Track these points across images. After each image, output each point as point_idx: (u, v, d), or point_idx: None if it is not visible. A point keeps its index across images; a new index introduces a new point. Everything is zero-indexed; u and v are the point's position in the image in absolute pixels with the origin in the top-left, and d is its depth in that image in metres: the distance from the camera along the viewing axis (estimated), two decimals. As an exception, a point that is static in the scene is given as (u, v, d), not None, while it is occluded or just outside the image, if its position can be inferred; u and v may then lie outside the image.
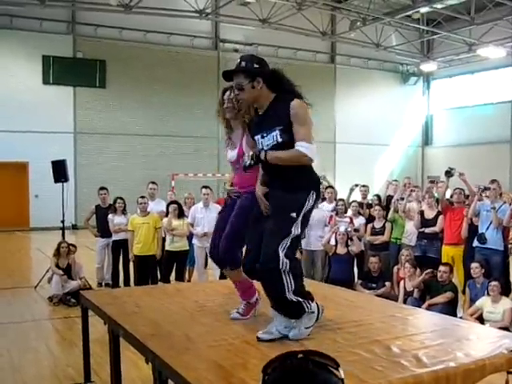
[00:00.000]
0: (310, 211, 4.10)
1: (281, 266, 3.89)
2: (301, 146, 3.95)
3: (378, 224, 11.13)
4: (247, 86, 4.08)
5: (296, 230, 3.96)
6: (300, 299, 4.03)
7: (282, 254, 3.89)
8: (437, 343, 3.84)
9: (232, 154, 4.87)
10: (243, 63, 4.12)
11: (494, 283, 8.22)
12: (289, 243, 3.93)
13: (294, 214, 3.96)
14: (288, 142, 3.99)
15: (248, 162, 4.06)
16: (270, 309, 4.17)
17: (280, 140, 4.01)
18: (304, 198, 4.04)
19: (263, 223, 4.11)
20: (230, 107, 4.71)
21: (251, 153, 4.13)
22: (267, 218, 4.10)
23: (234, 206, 4.78)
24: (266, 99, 4.13)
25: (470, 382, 3.43)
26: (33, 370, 6.75)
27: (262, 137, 4.12)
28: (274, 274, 3.94)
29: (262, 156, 4.01)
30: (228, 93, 4.74)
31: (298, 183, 4.05)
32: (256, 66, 4.11)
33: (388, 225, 11.08)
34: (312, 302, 4.14)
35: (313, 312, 4.13)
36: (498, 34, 26.52)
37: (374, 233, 11.08)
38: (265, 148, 4.08)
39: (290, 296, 3.97)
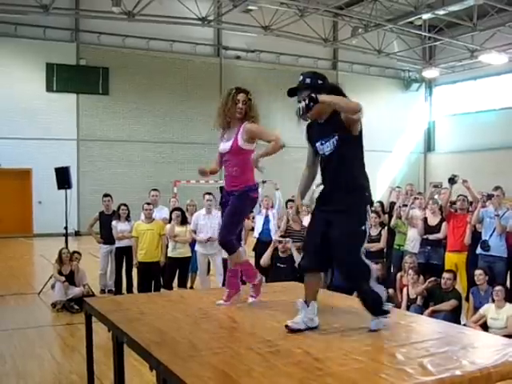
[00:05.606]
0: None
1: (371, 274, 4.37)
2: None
3: (373, 231, 11.07)
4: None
5: (365, 240, 4.38)
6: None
7: (368, 262, 4.38)
8: (442, 351, 3.81)
9: (225, 145, 5.27)
10: (308, 80, 4.38)
11: (498, 288, 8.20)
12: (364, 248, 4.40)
13: (363, 227, 4.33)
14: (344, 148, 4.32)
15: (302, 104, 4.10)
16: (299, 301, 4.43)
17: (337, 146, 4.31)
18: (364, 209, 4.39)
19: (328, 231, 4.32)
20: (244, 108, 5.15)
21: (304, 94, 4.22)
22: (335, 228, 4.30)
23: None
24: (327, 111, 4.35)
25: (476, 390, 3.41)
26: (37, 376, 6.74)
27: (322, 144, 4.41)
28: (365, 284, 4.36)
29: (314, 95, 4.11)
30: (244, 95, 5.16)
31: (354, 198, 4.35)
32: (320, 81, 4.39)
33: (384, 232, 11.05)
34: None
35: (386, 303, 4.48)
36: (500, 40, 26.60)
37: (370, 240, 11.01)
38: (326, 153, 4.39)
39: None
